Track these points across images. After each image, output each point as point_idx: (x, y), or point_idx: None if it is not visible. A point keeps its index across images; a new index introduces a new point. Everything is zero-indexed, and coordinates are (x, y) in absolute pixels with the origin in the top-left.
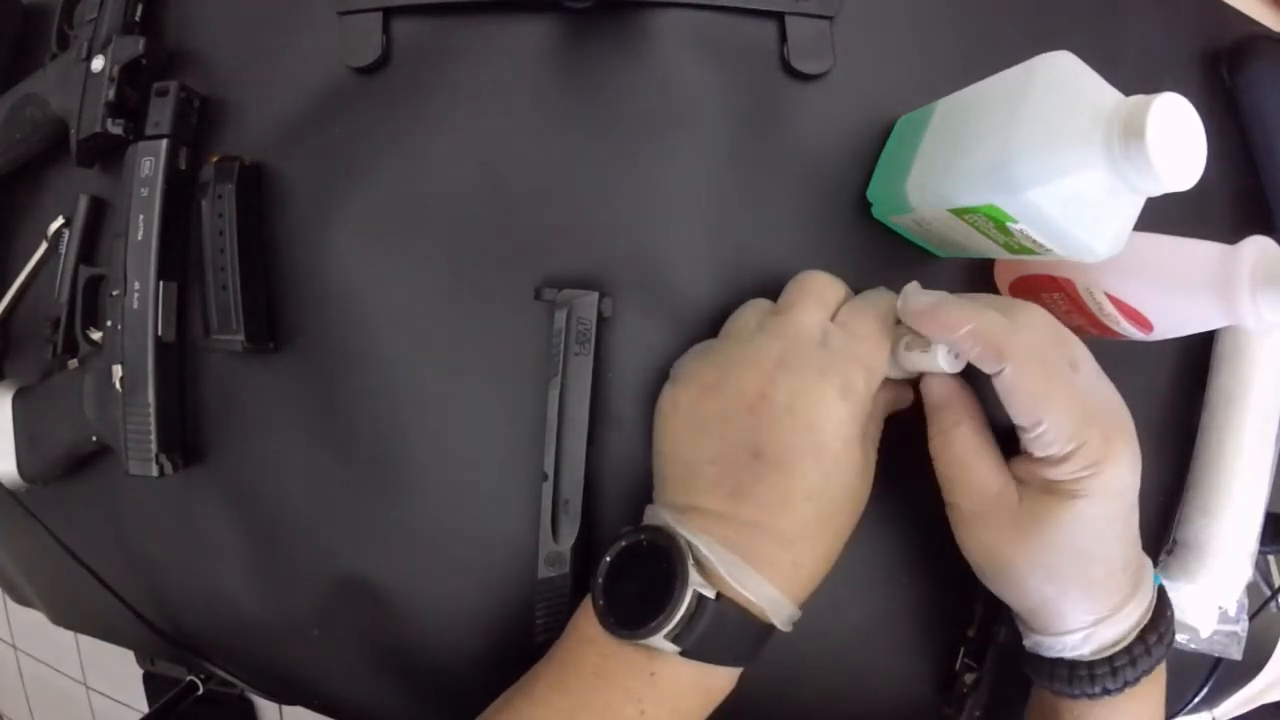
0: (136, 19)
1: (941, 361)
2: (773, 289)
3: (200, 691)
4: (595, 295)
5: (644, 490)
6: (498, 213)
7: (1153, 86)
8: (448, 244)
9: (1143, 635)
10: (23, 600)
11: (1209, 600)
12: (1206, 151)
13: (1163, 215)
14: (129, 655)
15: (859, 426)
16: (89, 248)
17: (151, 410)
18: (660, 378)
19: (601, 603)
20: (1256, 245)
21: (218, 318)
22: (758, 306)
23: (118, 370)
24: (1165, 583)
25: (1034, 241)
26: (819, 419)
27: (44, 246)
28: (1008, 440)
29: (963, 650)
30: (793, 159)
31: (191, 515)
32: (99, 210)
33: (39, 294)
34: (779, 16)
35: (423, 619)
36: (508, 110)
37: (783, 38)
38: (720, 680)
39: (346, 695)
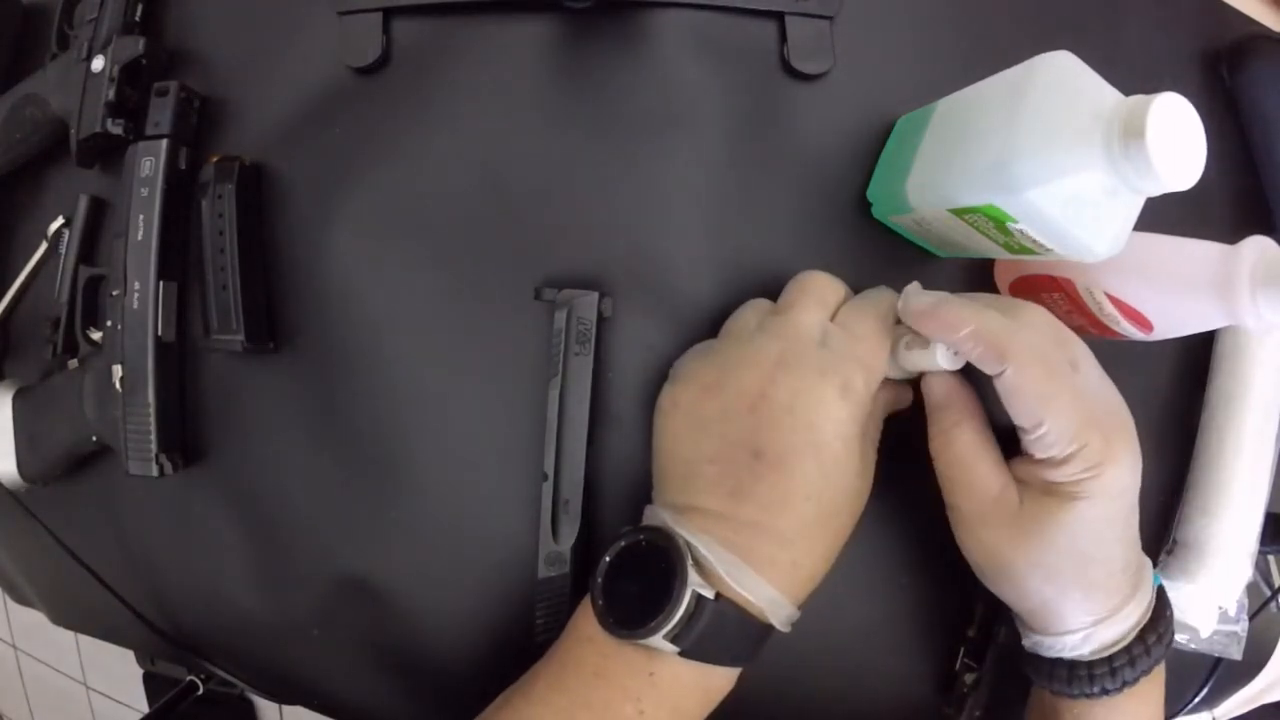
0: (136, 19)
1: (941, 360)
2: (773, 289)
3: (200, 691)
4: (595, 295)
5: (644, 490)
6: (498, 213)
7: (1153, 86)
8: (448, 244)
9: (1142, 635)
10: (23, 600)
11: (1209, 600)
12: (1206, 151)
13: (1163, 215)
14: (129, 655)
15: (859, 426)
16: (89, 248)
17: (151, 410)
18: (660, 378)
19: (601, 603)
20: (1256, 245)
21: (218, 318)
22: (758, 306)
23: (118, 370)
24: (1165, 583)
25: (1034, 241)
26: (819, 419)
27: (44, 246)
28: (1008, 440)
29: (963, 650)
30: (793, 159)
31: (191, 515)
32: (99, 210)
33: (39, 294)
34: (779, 16)
35: (423, 619)
36: (508, 110)
37: (783, 38)
38: (719, 680)
39: (346, 695)
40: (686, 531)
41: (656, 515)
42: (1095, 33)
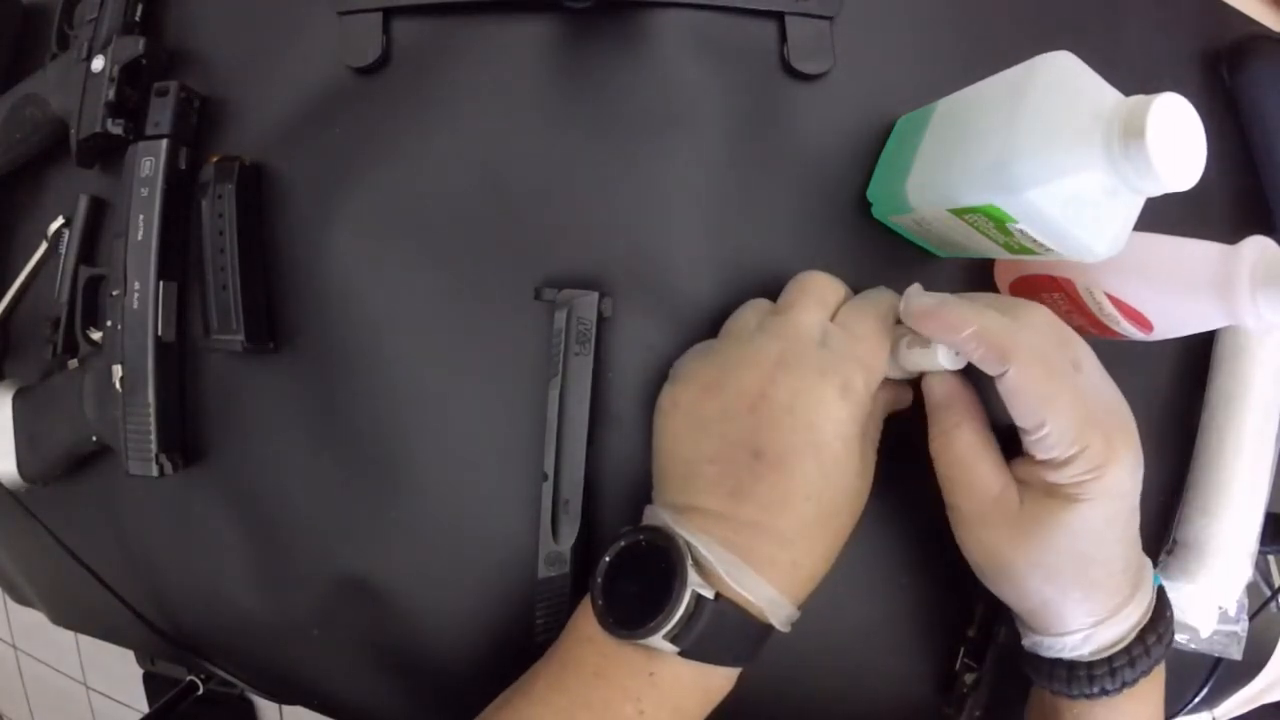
0: (136, 19)
1: (943, 360)
2: (773, 289)
3: (200, 691)
4: (595, 295)
5: (644, 490)
6: (498, 213)
7: (1153, 86)
8: (448, 244)
9: (1142, 636)
10: (23, 600)
11: (1209, 600)
12: (1206, 151)
13: (1163, 215)
14: (129, 655)
15: (859, 426)
16: (89, 248)
17: (151, 410)
18: (660, 378)
19: (601, 602)
20: (1256, 245)
21: (218, 318)
22: (758, 306)
23: (118, 370)
24: (1165, 583)
25: (1034, 241)
26: (819, 419)
27: (44, 246)
28: (1009, 441)
29: (963, 650)
30: (793, 159)
31: (191, 515)
32: (99, 210)
33: (39, 294)
34: (779, 16)
35: (423, 619)
36: (508, 110)
37: (783, 38)
38: (719, 680)
39: (346, 695)
40: (686, 531)
41: (656, 515)
42: (1095, 33)
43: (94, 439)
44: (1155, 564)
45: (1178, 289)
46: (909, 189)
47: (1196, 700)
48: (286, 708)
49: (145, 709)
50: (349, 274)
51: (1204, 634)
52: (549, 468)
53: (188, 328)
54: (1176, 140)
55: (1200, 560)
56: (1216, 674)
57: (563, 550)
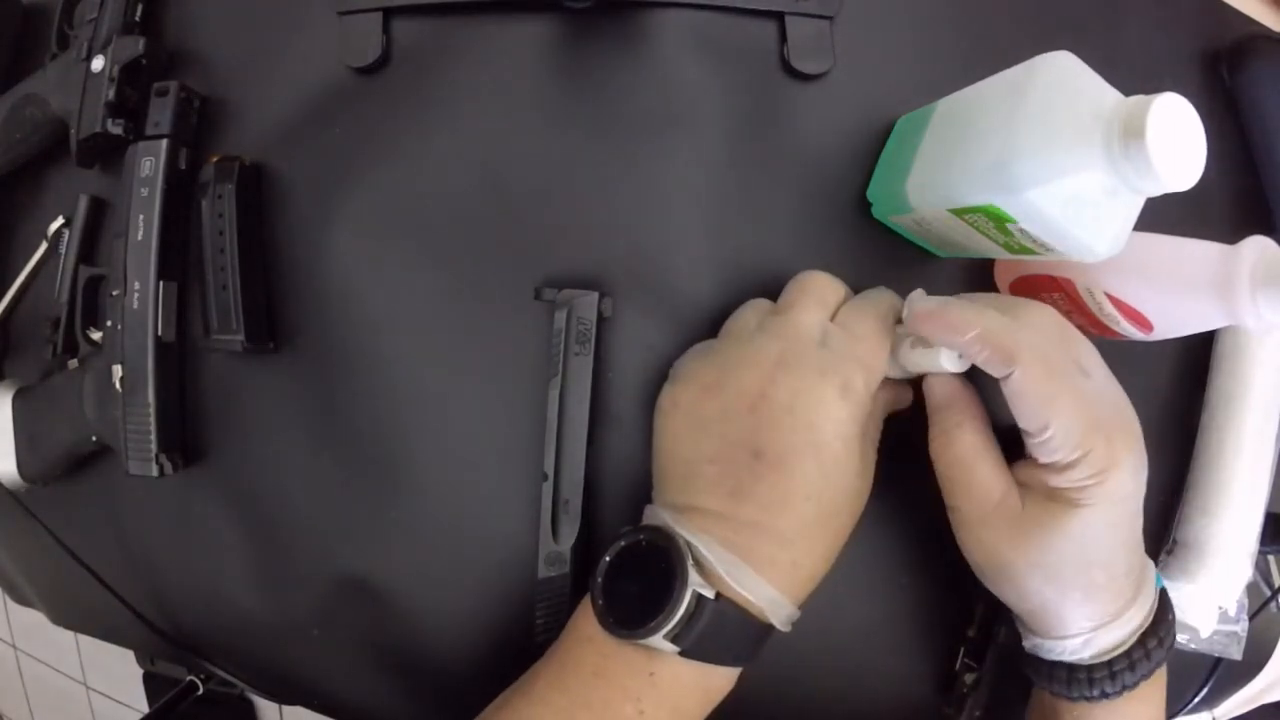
0: (136, 19)
1: (945, 362)
2: (773, 289)
3: (200, 691)
4: (595, 295)
5: (644, 490)
6: (498, 213)
7: (1153, 86)
8: (448, 244)
9: (1143, 640)
10: (23, 600)
11: (1209, 600)
12: (1206, 151)
13: (1163, 215)
14: (129, 655)
15: (859, 426)
16: (89, 248)
17: (151, 410)
18: (660, 378)
19: (601, 602)
20: (1256, 245)
21: (218, 318)
22: (758, 306)
23: (118, 370)
24: (1165, 583)
25: (1034, 241)
26: (819, 419)
27: (44, 246)
28: (1010, 441)
29: (963, 650)
30: (793, 159)
31: (191, 515)
32: (99, 210)
33: (39, 294)
34: (779, 16)
35: (423, 619)
36: (508, 110)
37: (783, 38)
38: (719, 680)
39: (346, 695)
40: (686, 531)
41: (656, 515)
42: (1095, 33)
43: (94, 439)
44: (1155, 564)
45: (1178, 289)
46: (909, 189)
47: (1196, 700)
48: (286, 708)
49: (145, 709)
50: (349, 274)
51: (1204, 634)
52: (549, 468)
53: (188, 328)
54: (1176, 140)
55: (1200, 560)
56: (1216, 674)
57: (563, 550)
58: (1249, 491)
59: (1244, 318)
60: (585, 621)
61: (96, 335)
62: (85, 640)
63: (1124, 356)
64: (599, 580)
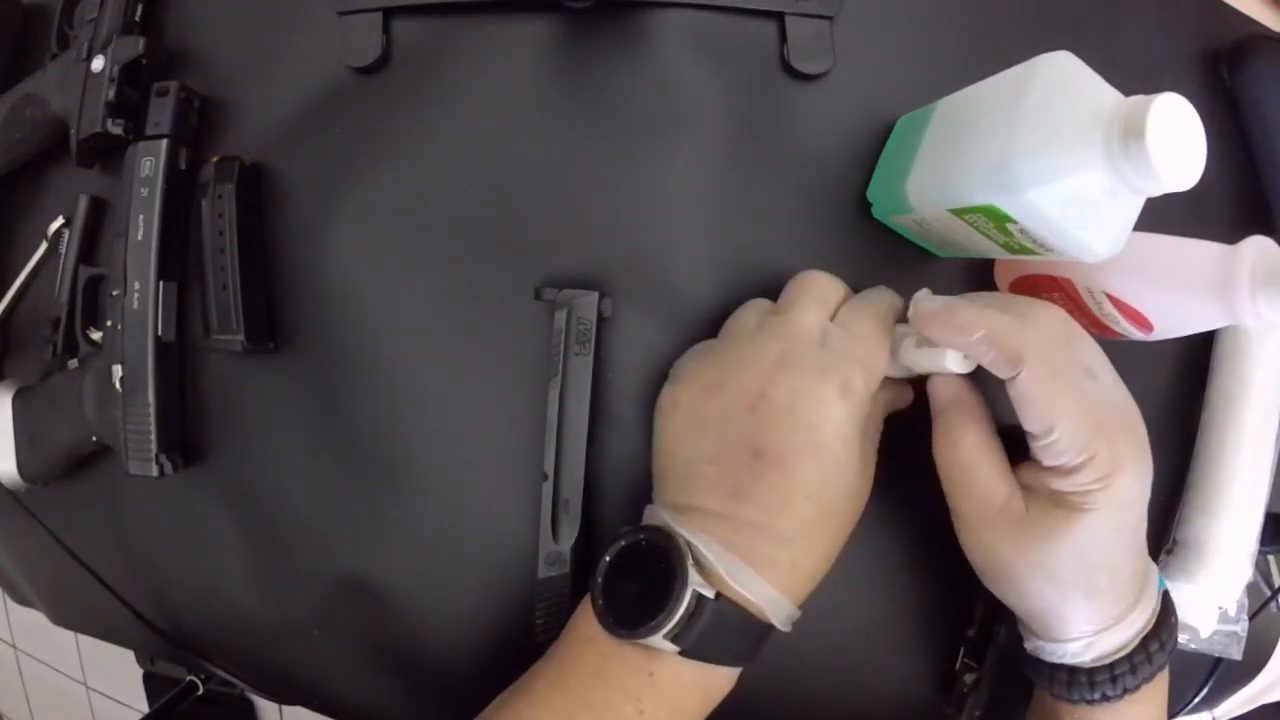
0: (136, 19)
1: (950, 363)
2: (773, 289)
3: (200, 691)
4: (595, 295)
5: (644, 490)
6: (498, 213)
7: (1153, 86)
8: (448, 244)
9: (1145, 643)
10: (23, 600)
11: (1209, 600)
12: (1206, 151)
13: (1163, 215)
14: (129, 655)
15: (858, 426)
16: (89, 248)
17: (151, 410)
18: (660, 378)
19: (601, 602)
20: (1256, 245)
21: (218, 318)
22: (758, 306)
23: (118, 370)
24: (1165, 584)
25: (1034, 241)
26: (819, 418)
27: (44, 246)
28: (1013, 443)
29: (963, 650)
30: (793, 159)
31: (191, 515)
32: (99, 210)
33: (39, 294)
34: (779, 16)
35: (423, 619)
36: (508, 110)
37: (783, 38)
38: (719, 680)
39: (346, 695)
40: (686, 531)
41: (656, 515)
42: (1095, 33)
43: (94, 439)
44: (1155, 564)
45: (1178, 289)
46: (909, 189)
47: (1196, 700)
48: (286, 708)
49: (145, 709)
50: (349, 274)
51: (1204, 634)
52: (549, 468)
53: (188, 328)
54: (1176, 140)
55: (1200, 560)
56: (1216, 674)
57: (563, 550)
58: (1249, 491)
59: (1244, 318)
60: (585, 621)
61: (96, 335)
62: (85, 640)
63: (1124, 356)
64: (599, 580)
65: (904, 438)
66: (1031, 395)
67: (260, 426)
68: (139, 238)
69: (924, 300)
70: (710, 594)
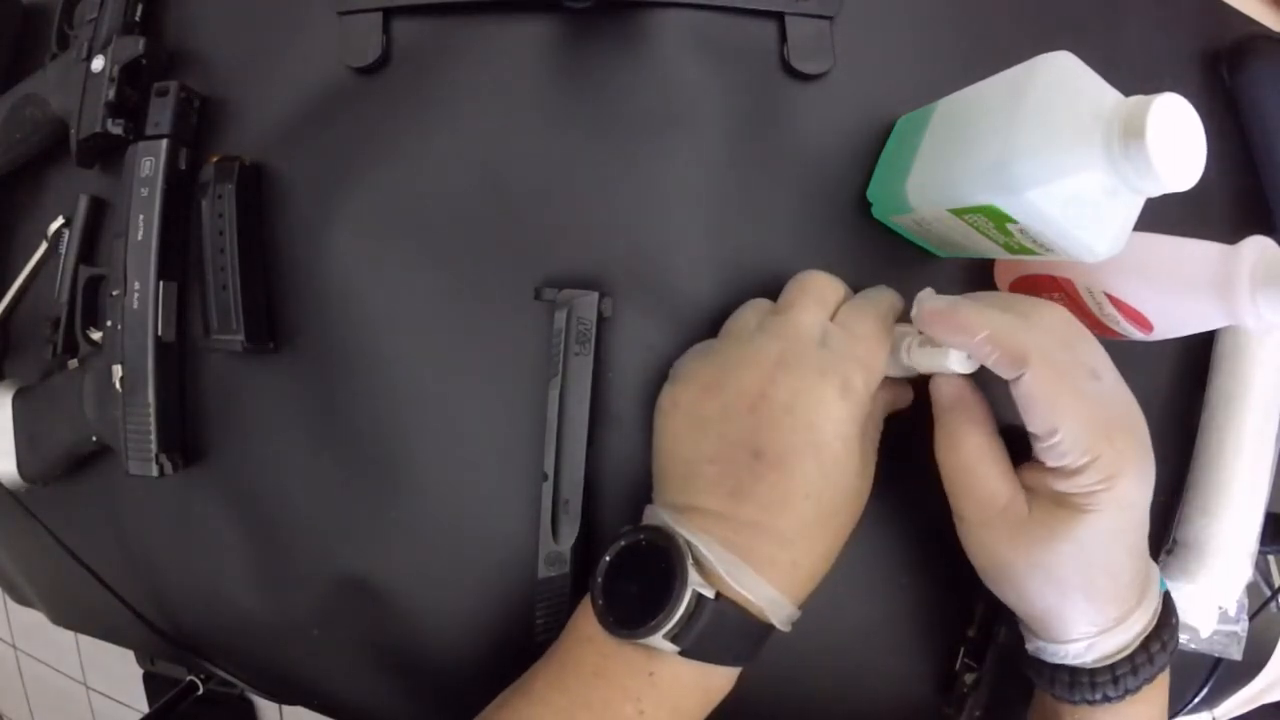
0: (136, 19)
1: (953, 363)
2: (773, 289)
3: (200, 691)
4: (595, 295)
5: (644, 490)
6: (498, 213)
7: (1153, 86)
8: (448, 244)
9: (1146, 644)
10: (23, 600)
11: (1209, 600)
12: (1206, 151)
13: (1163, 215)
14: (129, 655)
15: (858, 426)
16: (89, 248)
17: (151, 410)
18: (660, 378)
19: (601, 602)
20: (1256, 245)
21: (218, 318)
22: (758, 306)
23: (118, 370)
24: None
25: (1034, 241)
26: (819, 418)
27: (44, 246)
28: (1015, 442)
29: (963, 650)
30: (793, 159)
31: (191, 515)
32: (99, 210)
33: (39, 294)
34: (779, 16)
35: (423, 619)
36: (508, 110)
37: (783, 38)
38: (719, 680)
39: (346, 695)
40: (686, 531)
41: (656, 515)
42: (1095, 33)
43: (94, 439)
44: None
45: (1178, 289)
46: (909, 189)
47: (1196, 700)
48: (286, 708)
49: (145, 709)
50: (349, 274)
51: (1204, 634)
52: (549, 468)
53: (188, 328)
54: (1176, 140)
55: (1200, 560)
56: (1216, 674)
57: (563, 550)
58: (1249, 491)
59: (1244, 318)
60: (585, 621)
61: (96, 335)
62: (85, 640)
63: (1124, 356)
64: (599, 580)
65: (904, 438)
66: (1035, 396)
67: (260, 426)
68: (139, 238)
69: (928, 300)
70: (710, 594)
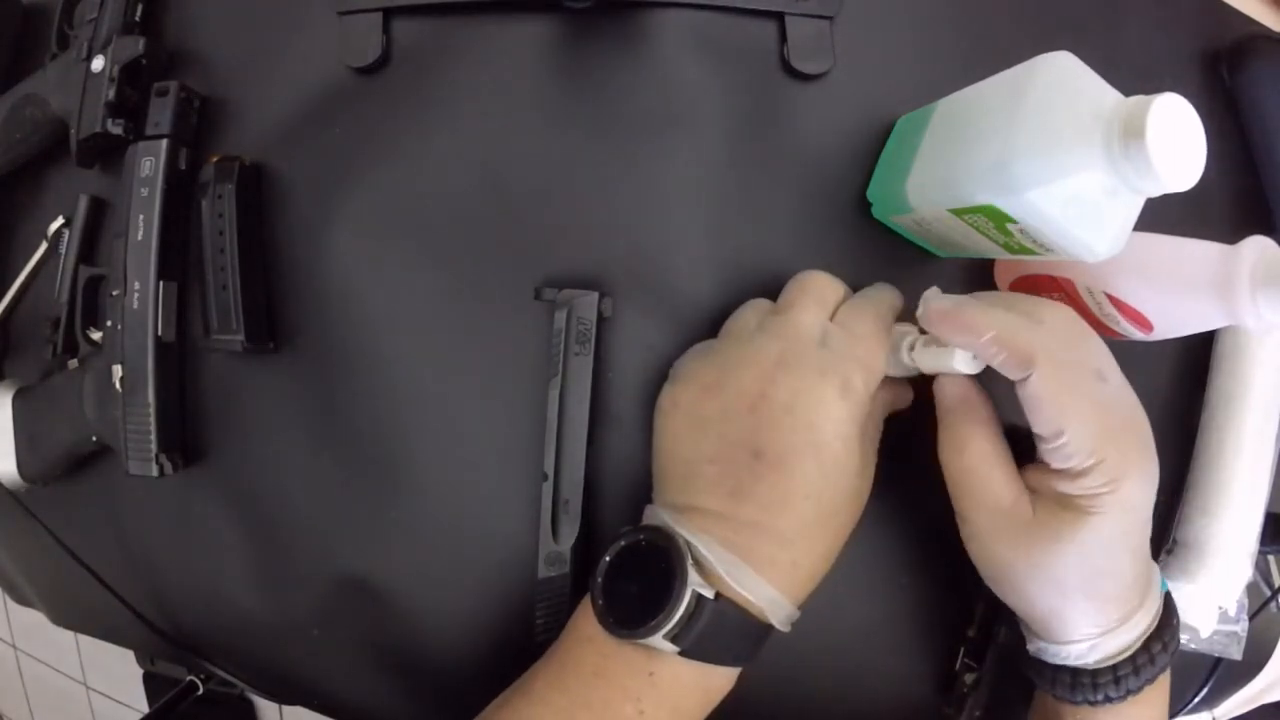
0: (136, 19)
1: (959, 364)
2: (773, 289)
3: (200, 691)
4: (595, 295)
5: (644, 490)
6: (498, 213)
7: (1153, 86)
8: (448, 244)
9: (1147, 645)
10: (23, 600)
11: (1209, 600)
12: (1206, 151)
13: (1163, 215)
14: (129, 655)
15: (858, 426)
16: (89, 248)
17: (151, 410)
18: (660, 378)
19: (601, 602)
20: (1256, 245)
21: (218, 318)
22: (757, 306)
23: (118, 370)
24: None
25: (1034, 241)
26: (818, 418)
27: (44, 246)
28: (1018, 443)
29: (963, 650)
30: (793, 159)
31: (191, 515)
32: (99, 210)
33: (39, 294)
34: (779, 16)
35: (423, 619)
36: (508, 110)
37: (783, 38)
38: (719, 680)
39: (346, 695)
40: (686, 531)
41: (656, 515)
42: (1095, 33)
43: (94, 439)
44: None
45: (1178, 289)
46: (909, 189)
47: (1196, 700)
48: (286, 708)
49: (145, 709)
50: (349, 274)
51: (1204, 634)
52: (549, 468)
53: (188, 328)
54: (1176, 140)
55: (1200, 560)
56: (1216, 674)
57: (563, 550)
58: (1249, 491)
59: (1244, 318)
60: (585, 621)
61: (96, 335)
62: (85, 640)
63: (1124, 356)
64: (599, 580)
65: (904, 438)
66: (1042, 398)
67: (260, 426)
68: (139, 238)
69: (933, 299)
70: (710, 594)
